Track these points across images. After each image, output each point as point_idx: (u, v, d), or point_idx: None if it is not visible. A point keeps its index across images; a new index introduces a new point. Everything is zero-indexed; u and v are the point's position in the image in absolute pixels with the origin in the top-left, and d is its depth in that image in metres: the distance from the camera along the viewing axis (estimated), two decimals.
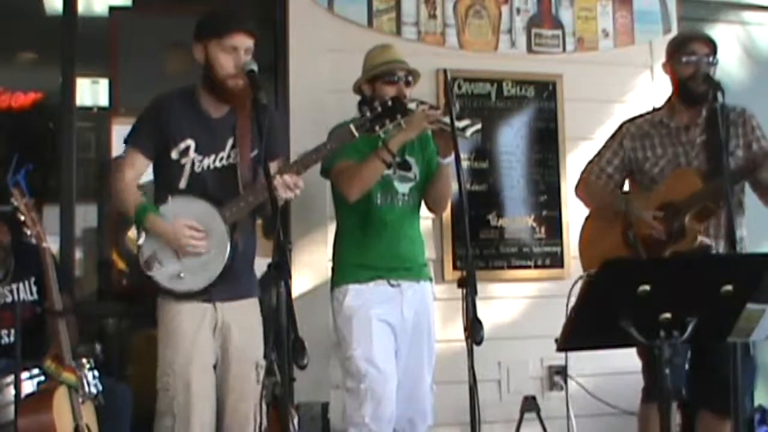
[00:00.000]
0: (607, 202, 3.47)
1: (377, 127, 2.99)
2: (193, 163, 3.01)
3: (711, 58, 3.30)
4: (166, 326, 2.97)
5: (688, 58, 3.30)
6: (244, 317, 3.04)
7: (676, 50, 3.37)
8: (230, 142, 3.04)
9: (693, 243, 3.17)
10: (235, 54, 2.95)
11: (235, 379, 2.98)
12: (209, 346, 2.98)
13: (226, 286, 2.96)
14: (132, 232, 3.02)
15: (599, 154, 3.55)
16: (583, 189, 3.61)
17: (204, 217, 2.94)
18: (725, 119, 3.27)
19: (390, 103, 3.01)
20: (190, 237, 2.90)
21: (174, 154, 3.01)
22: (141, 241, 2.95)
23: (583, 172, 3.61)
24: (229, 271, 2.94)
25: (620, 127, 3.54)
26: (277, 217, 2.46)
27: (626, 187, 3.56)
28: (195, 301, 2.95)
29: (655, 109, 3.54)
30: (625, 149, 3.46)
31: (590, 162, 3.58)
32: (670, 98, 3.46)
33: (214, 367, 3.00)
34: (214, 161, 3.03)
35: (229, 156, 3.04)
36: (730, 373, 2.85)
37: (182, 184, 3.01)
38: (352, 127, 3.01)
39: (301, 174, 2.96)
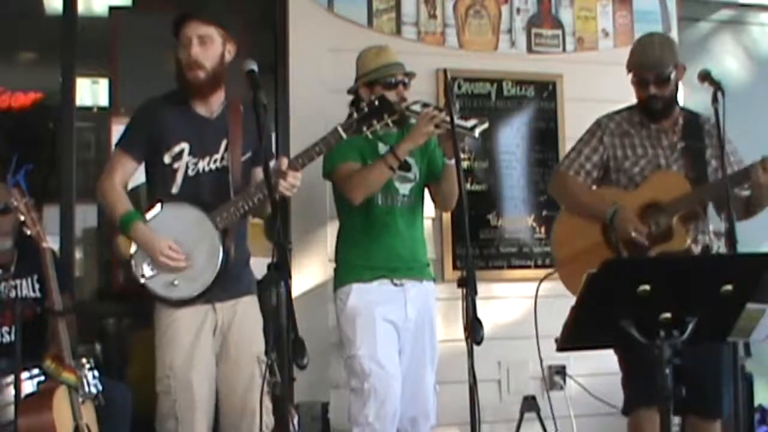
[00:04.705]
0: (590, 206, 3.34)
1: (365, 128, 2.95)
2: (186, 167, 2.98)
3: (657, 77, 3.26)
4: (164, 333, 2.96)
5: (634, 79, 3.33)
6: (243, 314, 3.03)
7: (627, 68, 3.36)
8: (224, 143, 3.03)
9: (682, 245, 3.16)
10: (190, 45, 2.97)
11: (239, 377, 2.97)
12: (210, 348, 2.98)
13: (223, 287, 2.96)
14: (122, 237, 2.98)
15: (576, 150, 3.42)
16: (560, 185, 3.47)
17: (194, 225, 2.91)
18: (700, 128, 3.29)
19: (377, 103, 2.96)
20: (167, 257, 2.87)
21: (167, 159, 2.98)
22: (133, 249, 2.92)
23: (560, 167, 3.48)
24: (224, 274, 2.92)
25: (597, 123, 3.43)
26: (277, 217, 2.46)
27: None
28: (193, 305, 2.94)
29: (628, 108, 3.45)
30: (605, 146, 3.36)
31: (567, 157, 3.46)
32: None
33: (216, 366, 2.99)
34: (209, 163, 3.01)
35: (222, 158, 3.02)
36: (705, 375, 2.89)
37: (175, 190, 2.99)
38: (339, 128, 2.96)
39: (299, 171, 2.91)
